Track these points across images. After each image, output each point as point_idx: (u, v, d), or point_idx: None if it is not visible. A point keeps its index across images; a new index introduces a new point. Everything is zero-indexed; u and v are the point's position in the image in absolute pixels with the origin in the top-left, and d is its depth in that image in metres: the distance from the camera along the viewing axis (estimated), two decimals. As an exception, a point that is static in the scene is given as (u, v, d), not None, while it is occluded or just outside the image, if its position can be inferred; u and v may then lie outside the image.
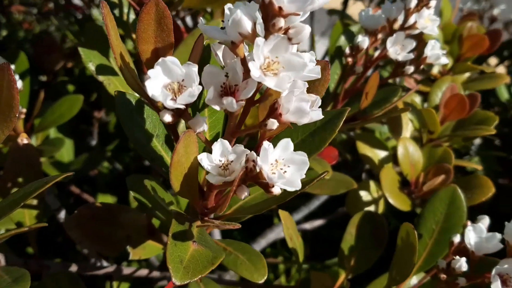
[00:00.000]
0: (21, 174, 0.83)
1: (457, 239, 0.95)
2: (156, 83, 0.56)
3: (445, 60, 1.07)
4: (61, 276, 0.92)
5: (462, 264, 0.84)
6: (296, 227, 1.06)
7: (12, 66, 1.26)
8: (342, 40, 1.21)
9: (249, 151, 0.62)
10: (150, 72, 0.54)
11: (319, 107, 0.63)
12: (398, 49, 1.02)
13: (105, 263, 1.23)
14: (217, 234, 1.50)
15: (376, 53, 1.13)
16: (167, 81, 0.57)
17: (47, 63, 1.94)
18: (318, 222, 1.68)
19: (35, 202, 0.85)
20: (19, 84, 1.16)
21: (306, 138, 0.83)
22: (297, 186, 0.56)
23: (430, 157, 1.25)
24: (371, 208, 1.31)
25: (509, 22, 2.64)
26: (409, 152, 1.22)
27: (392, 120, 1.36)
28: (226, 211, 0.93)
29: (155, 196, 0.74)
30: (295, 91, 0.61)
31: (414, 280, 1.05)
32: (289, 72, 0.54)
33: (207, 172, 0.64)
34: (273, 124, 0.61)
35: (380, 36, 1.12)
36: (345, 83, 1.12)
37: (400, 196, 1.19)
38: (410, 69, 1.06)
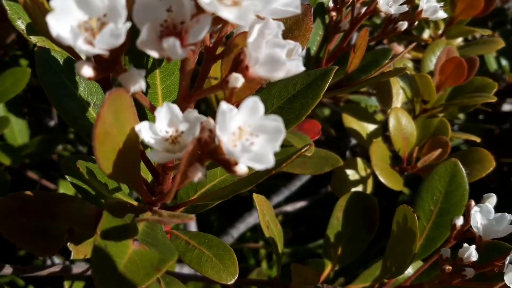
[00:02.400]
0: None
1: (459, 221, 0.81)
2: (66, 20, 0.39)
3: (443, 14, 0.91)
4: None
5: (471, 253, 0.70)
6: (273, 212, 0.91)
7: None
8: (324, -6, 1.04)
9: (205, 118, 0.45)
10: (54, 3, 0.37)
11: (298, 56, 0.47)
12: (389, 0, 0.86)
13: (56, 260, 1.07)
14: (193, 226, 1.35)
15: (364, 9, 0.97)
16: (83, 18, 0.40)
17: (-4, 34, 1.73)
18: (300, 204, 1.61)
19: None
20: None
21: (284, 105, 0.67)
22: (268, 162, 0.40)
23: (424, 129, 1.10)
24: (359, 188, 1.17)
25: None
26: (402, 124, 1.07)
27: (381, 89, 1.21)
28: (191, 196, 0.78)
29: (91, 181, 0.57)
30: (265, 34, 0.45)
31: (409, 269, 0.91)
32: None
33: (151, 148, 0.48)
34: (236, 80, 0.45)
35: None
36: (329, 44, 0.96)
37: (392, 174, 1.05)
38: (404, 24, 0.90)
